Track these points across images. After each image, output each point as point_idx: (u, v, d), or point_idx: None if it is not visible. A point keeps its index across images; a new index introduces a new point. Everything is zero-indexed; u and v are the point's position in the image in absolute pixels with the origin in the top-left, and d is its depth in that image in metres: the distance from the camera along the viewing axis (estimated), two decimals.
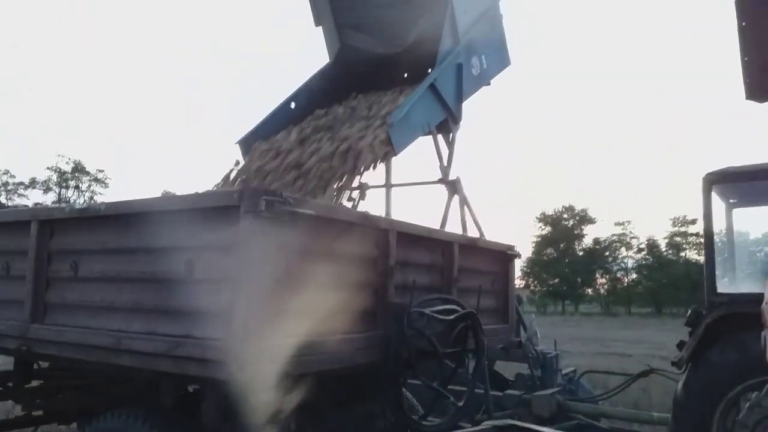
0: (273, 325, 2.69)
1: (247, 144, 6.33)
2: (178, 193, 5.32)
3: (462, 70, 6.06)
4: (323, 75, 6.96)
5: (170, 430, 3.16)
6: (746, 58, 3.76)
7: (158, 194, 5.21)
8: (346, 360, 3.20)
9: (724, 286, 5.01)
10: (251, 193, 2.68)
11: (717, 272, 4.95)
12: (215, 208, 2.82)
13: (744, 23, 3.37)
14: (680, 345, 4.78)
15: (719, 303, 4.63)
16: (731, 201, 5.63)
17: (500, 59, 6.75)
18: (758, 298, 3.51)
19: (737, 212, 5.73)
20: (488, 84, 6.64)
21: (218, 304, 2.70)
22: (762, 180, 4.92)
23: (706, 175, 4.87)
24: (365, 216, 3.58)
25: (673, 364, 4.80)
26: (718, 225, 5.44)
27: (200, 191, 4.89)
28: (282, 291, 2.76)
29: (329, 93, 6.83)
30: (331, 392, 3.12)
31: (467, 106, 6.29)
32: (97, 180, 51.49)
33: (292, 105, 6.71)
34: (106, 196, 50.38)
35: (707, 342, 4.51)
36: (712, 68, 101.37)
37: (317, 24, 6.89)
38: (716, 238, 5.13)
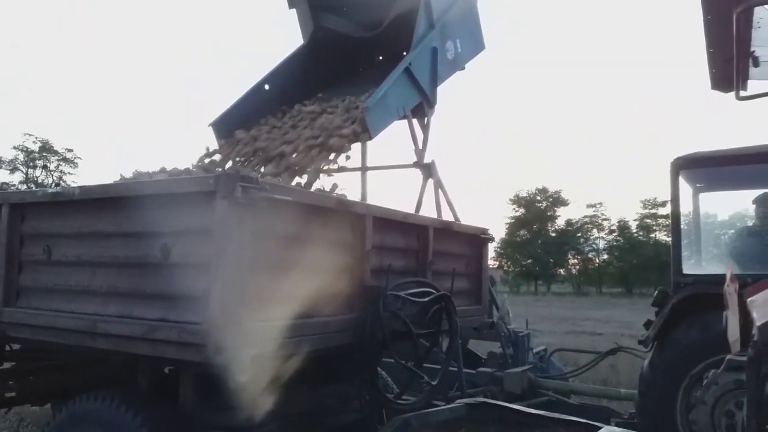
0: (250, 309, 2.71)
1: (219, 126, 6.25)
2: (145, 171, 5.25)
3: (437, 53, 6.04)
4: (297, 57, 6.88)
5: (146, 412, 3.16)
6: (711, 50, 3.85)
7: (129, 175, 5.09)
8: (323, 342, 3.24)
9: (690, 267, 5.13)
10: (227, 178, 2.68)
11: (684, 254, 5.09)
12: (191, 194, 2.81)
13: (709, 17, 3.45)
14: (647, 324, 4.93)
15: (685, 284, 4.76)
16: (698, 185, 5.74)
17: (475, 43, 6.74)
18: (722, 279, 3.62)
19: (704, 196, 5.86)
20: (463, 68, 6.64)
21: (195, 288, 2.71)
22: (727, 165, 5.05)
23: (674, 160, 4.98)
24: (342, 201, 3.60)
25: (640, 342, 4.95)
26: (686, 208, 5.60)
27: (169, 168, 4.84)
28: (258, 275, 2.79)
29: (303, 75, 6.78)
30: (307, 373, 3.16)
31: (442, 90, 6.31)
32: (66, 160, 50.21)
33: (266, 87, 6.64)
34: (75, 176, 49.28)
35: (673, 321, 4.64)
36: (683, 57, 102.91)
37: (291, 6, 6.80)
38: (683, 221, 5.27)
